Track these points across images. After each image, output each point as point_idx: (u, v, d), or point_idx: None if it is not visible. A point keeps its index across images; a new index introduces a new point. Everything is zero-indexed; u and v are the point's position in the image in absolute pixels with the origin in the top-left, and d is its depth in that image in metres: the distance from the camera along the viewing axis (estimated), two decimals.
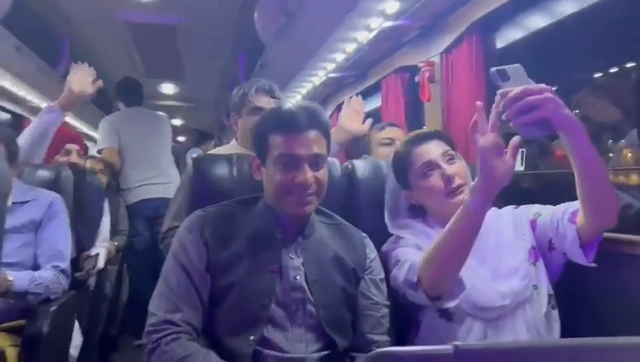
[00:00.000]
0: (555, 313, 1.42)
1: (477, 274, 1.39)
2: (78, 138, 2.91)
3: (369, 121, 2.22)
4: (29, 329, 1.82)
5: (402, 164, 1.54)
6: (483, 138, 1.17)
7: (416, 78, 2.58)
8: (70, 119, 5.68)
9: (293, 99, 4.34)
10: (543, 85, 1.12)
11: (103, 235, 2.68)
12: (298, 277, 1.33)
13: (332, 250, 1.40)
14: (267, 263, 1.32)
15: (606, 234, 1.39)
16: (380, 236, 1.58)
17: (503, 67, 1.17)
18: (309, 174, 1.29)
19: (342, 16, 2.36)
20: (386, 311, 1.41)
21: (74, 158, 2.84)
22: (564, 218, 1.36)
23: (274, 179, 1.32)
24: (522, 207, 1.54)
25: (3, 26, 3.08)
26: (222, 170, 1.68)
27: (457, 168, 1.46)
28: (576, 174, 1.23)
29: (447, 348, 0.53)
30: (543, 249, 1.44)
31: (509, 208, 1.55)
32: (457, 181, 1.43)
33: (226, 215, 1.40)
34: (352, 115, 2.19)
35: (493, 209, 1.55)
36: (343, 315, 1.36)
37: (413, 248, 1.46)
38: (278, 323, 1.30)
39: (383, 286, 1.44)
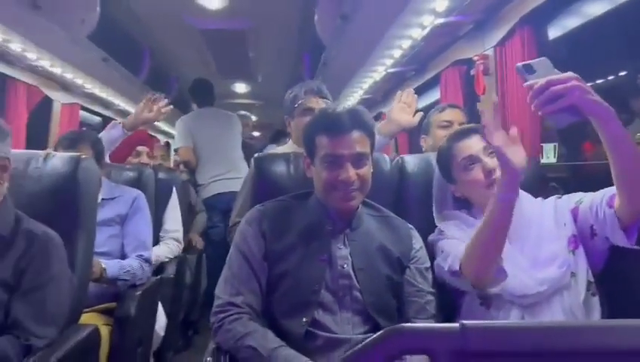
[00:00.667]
0: (595, 300, 1.44)
1: (516, 263, 1.44)
2: (148, 140, 3.07)
3: (419, 114, 2.26)
4: (119, 311, 2.03)
5: (446, 159, 1.60)
6: (494, 138, 1.24)
7: (472, 71, 2.60)
8: None
9: (356, 94, 4.44)
10: (568, 73, 1.16)
11: (169, 229, 2.85)
12: (345, 266, 1.43)
13: (378, 241, 1.49)
14: (318, 253, 1.43)
15: None
16: (428, 227, 1.64)
17: (529, 62, 1.22)
18: (351, 172, 1.40)
19: (394, 16, 2.42)
20: (430, 298, 1.47)
21: (144, 159, 2.99)
22: (603, 203, 1.38)
23: (321, 177, 1.43)
24: (565, 196, 1.56)
25: (91, 41, 3.36)
26: (280, 168, 1.80)
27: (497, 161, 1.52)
28: (609, 157, 1.25)
29: (454, 325, 0.55)
30: (585, 236, 1.46)
31: (553, 198, 1.57)
32: (497, 173, 1.46)
33: (282, 209, 1.52)
34: (402, 108, 2.22)
35: (538, 199, 1.58)
36: (387, 301, 1.44)
37: (456, 239, 1.52)
38: (327, 307, 1.40)
39: (428, 275, 1.51)
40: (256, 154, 1.89)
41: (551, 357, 0.55)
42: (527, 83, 1.18)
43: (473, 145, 1.54)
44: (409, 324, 0.65)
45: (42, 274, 1.43)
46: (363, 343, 0.59)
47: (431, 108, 3.42)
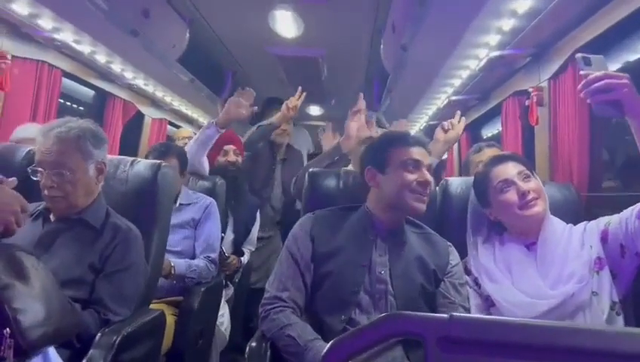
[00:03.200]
0: (620, 319, 1.46)
1: (533, 284, 1.51)
2: (235, 139, 3.04)
3: (463, 119, 2.46)
4: (184, 304, 2.24)
5: (482, 183, 1.69)
6: None
7: (527, 102, 2.65)
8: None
9: (422, 120, 4.54)
10: (622, 73, 1.25)
11: (251, 240, 3.00)
12: (383, 272, 1.56)
13: (416, 252, 1.61)
14: (360, 259, 1.57)
15: None
16: (466, 247, 1.72)
17: (587, 55, 1.32)
18: (428, 175, 1.58)
19: (450, 48, 2.55)
20: (461, 310, 1.55)
21: (231, 157, 2.97)
22: (632, 216, 1.43)
23: (399, 180, 1.58)
24: (595, 220, 1.60)
25: (180, 63, 3.70)
26: (331, 183, 1.96)
27: (532, 185, 1.59)
28: None
29: (444, 316, 0.65)
30: (614, 258, 1.49)
31: (583, 223, 1.62)
32: (531, 195, 1.57)
33: (331, 217, 1.69)
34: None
35: (569, 225, 1.63)
36: (419, 307, 1.54)
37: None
38: (364, 308, 1.53)
39: (463, 290, 1.60)
40: (310, 169, 2.05)
41: (526, 351, 0.62)
42: (583, 72, 1.28)
43: (509, 169, 1.63)
44: (406, 312, 0.71)
45: (123, 260, 1.65)
46: (363, 325, 0.71)
47: (497, 137, 3.47)
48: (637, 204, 1.44)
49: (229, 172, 2.93)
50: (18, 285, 1.10)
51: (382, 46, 3.21)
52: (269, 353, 1.52)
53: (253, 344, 1.55)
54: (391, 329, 0.71)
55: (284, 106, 3.12)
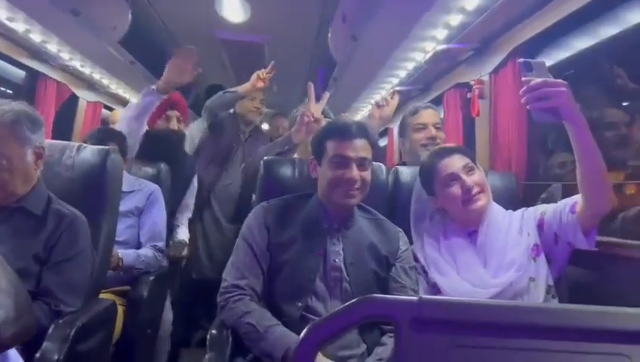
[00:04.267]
0: (555, 301, 1.57)
1: (476, 273, 1.60)
2: (180, 103, 2.81)
3: (396, 95, 2.53)
4: (133, 293, 2.20)
5: (428, 174, 1.76)
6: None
7: (468, 95, 2.76)
8: None
9: (365, 109, 4.62)
10: (560, 80, 1.31)
11: (186, 206, 2.86)
12: (337, 260, 1.60)
13: (369, 239, 1.66)
14: (315, 247, 1.61)
15: (603, 238, 1.56)
16: None
17: (529, 60, 1.36)
18: (355, 172, 1.60)
19: (399, 40, 2.63)
20: (412, 293, 1.62)
21: (174, 124, 2.77)
22: (566, 209, 1.54)
23: (327, 175, 1.62)
24: (532, 208, 1.70)
25: (121, 45, 3.55)
26: (286, 171, 1.97)
27: (476, 178, 1.67)
28: (577, 161, 1.40)
29: (413, 298, 0.69)
30: (549, 244, 1.60)
31: (521, 210, 1.72)
32: (475, 189, 1.65)
33: (285, 206, 1.71)
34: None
35: (508, 211, 1.72)
36: (373, 292, 1.54)
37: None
38: (319, 295, 1.57)
39: (412, 274, 1.67)
40: (265, 158, 2.05)
41: (492, 328, 0.67)
42: (525, 78, 1.33)
43: (454, 163, 1.69)
44: (378, 295, 0.74)
45: (70, 248, 1.59)
46: (338, 308, 0.73)
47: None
48: (571, 198, 1.55)
49: (168, 140, 2.72)
50: None
51: (330, 35, 3.23)
52: (230, 340, 1.53)
53: (214, 331, 1.55)
54: (364, 313, 0.73)
55: (254, 76, 2.85)
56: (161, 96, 2.54)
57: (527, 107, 1.34)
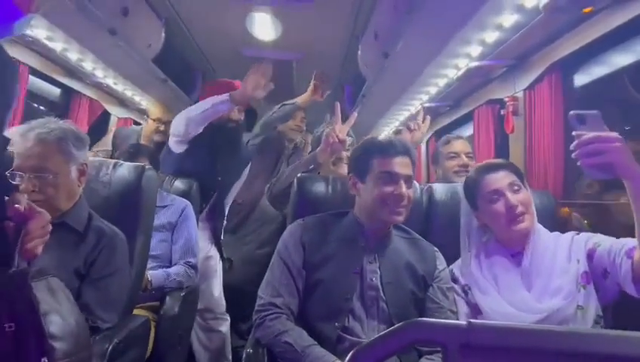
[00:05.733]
0: None
1: (518, 295, 1.53)
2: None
3: (428, 118, 2.50)
4: (165, 310, 2.19)
5: (472, 188, 1.71)
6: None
7: (502, 111, 2.73)
8: None
9: (392, 125, 4.61)
10: (614, 134, 1.22)
11: (232, 198, 2.89)
12: (374, 279, 1.59)
13: (405, 259, 1.64)
14: (351, 266, 1.59)
15: None
16: (452, 251, 1.76)
17: (583, 112, 1.26)
18: (404, 189, 1.59)
19: (432, 57, 2.61)
20: (450, 314, 1.59)
21: (234, 115, 2.71)
22: (622, 251, 1.44)
23: (374, 191, 1.60)
24: (583, 234, 1.62)
25: (154, 63, 3.61)
26: (319, 188, 1.97)
27: (522, 198, 1.60)
28: (634, 212, 1.30)
29: (462, 323, 0.67)
30: (597, 276, 1.52)
31: (571, 234, 1.64)
32: (519, 209, 1.58)
33: (321, 224, 1.70)
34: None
35: (555, 234, 1.66)
36: (410, 313, 1.57)
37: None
38: (356, 315, 1.55)
39: (450, 295, 1.64)
40: (298, 175, 2.05)
41: (544, 356, 0.65)
42: (576, 132, 1.24)
43: (500, 179, 1.64)
44: (425, 319, 0.74)
45: (108, 265, 1.61)
46: (385, 331, 0.72)
47: None
48: (627, 240, 1.45)
49: (228, 129, 2.68)
50: (55, 311, 1.07)
51: (360, 52, 3.23)
52: (266, 359, 1.52)
53: (250, 350, 1.55)
54: (411, 337, 0.72)
55: (311, 86, 2.84)
56: (232, 107, 2.53)
57: (578, 163, 1.25)
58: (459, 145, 2.52)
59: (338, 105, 2.27)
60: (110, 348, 1.48)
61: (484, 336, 0.66)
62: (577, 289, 1.51)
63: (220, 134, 2.66)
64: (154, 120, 3.52)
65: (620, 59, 2.24)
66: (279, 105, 2.96)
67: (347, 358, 0.70)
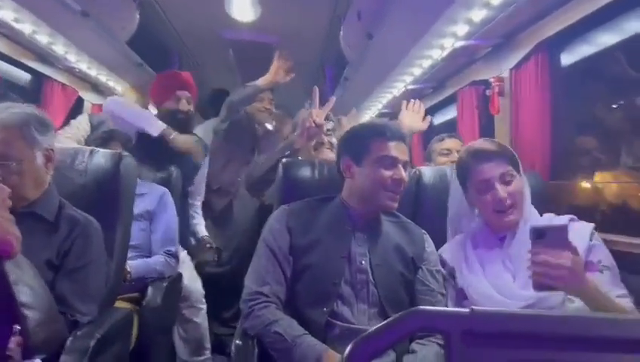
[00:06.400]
0: None
1: (503, 281, 1.50)
2: (190, 84, 2.77)
3: (428, 118, 2.49)
4: (148, 301, 2.14)
5: (463, 172, 1.65)
6: None
7: (488, 92, 2.70)
8: None
9: (374, 108, 4.56)
10: (564, 262, 1.20)
11: (199, 193, 2.91)
12: (363, 262, 1.56)
13: (394, 241, 1.62)
14: (339, 250, 1.57)
15: None
16: (441, 234, 1.76)
17: (543, 226, 1.26)
18: (404, 173, 1.56)
19: (417, 37, 2.56)
20: (440, 297, 1.58)
21: (183, 105, 2.72)
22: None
23: (372, 175, 1.56)
24: (586, 225, 1.53)
25: (128, 46, 3.51)
26: (305, 173, 1.94)
27: (512, 189, 1.53)
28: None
29: (465, 310, 0.66)
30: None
31: (566, 218, 1.57)
32: (508, 202, 1.52)
33: (307, 209, 1.66)
34: (412, 115, 2.48)
35: (549, 215, 1.61)
36: (400, 295, 1.56)
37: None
38: (345, 299, 1.52)
39: (439, 277, 1.62)
40: (283, 160, 2.01)
41: (549, 341, 0.65)
42: (532, 249, 1.23)
43: (492, 169, 1.55)
44: (425, 307, 0.72)
45: (84, 255, 1.54)
46: (385, 321, 0.70)
47: (447, 124, 3.54)
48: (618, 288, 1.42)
49: (177, 120, 2.69)
50: (23, 282, 1.04)
51: (342, 33, 3.17)
52: (256, 351, 1.48)
53: (239, 342, 1.52)
54: (413, 326, 0.71)
55: (272, 67, 2.88)
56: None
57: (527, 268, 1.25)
58: (452, 143, 2.60)
59: (316, 89, 2.25)
60: (93, 343, 1.43)
61: (487, 323, 0.66)
62: None
63: (171, 125, 2.67)
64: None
65: (607, 37, 2.23)
66: (242, 87, 2.95)
67: (347, 351, 0.68)
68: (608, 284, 1.41)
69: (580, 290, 1.27)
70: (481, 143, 1.64)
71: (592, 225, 1.54)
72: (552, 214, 1.64)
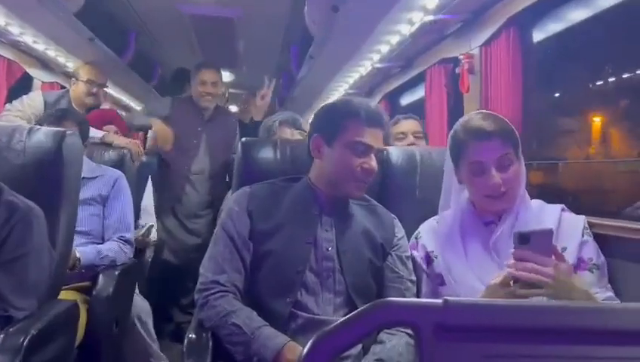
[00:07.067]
0: None
1: (486, 269, 1.39)
2: (116, 119, 2.95)
3: None
4: (98, 291, 2.02)
5: (456, 149, 1.48)
6: None
7: (457, 70, 2.64)
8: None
9: (341, 89, 4.46)
10: (551, 262, 1.16)
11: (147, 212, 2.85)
12: (330, 248, 1.46)
13: (362, 226, 1.52)
14: (304, 235, 1.46)
15: None
16: (410, 218, 1.66)
17: (528, 231, 1.18)
18: (375, 163, 1.44)
19: (385, 10, 2.46)
20: (409, 285, 1.50)
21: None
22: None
23: (342, 161, 1.44)
24: (577, 217, 1.45)
25: (78, 19, 3.28)
26: (267, 154, 1.82)
27: (509, 176, 1.39)
28: None
29: (437, 301, 0.59)
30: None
31: (557, 209, 1.46)
32: (502, 189, 1.38)
33: (270, 191, 1.55)
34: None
35: (539, 202, 1.48)
36: (368, 284, 1.47)
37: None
38: (310, 288, 1.43)
39: (409, 263, 1.54)
40: (243, 139, 1.91)
41: (528, 334, 0.57)
42: (515, 253, 1.18)
43: (489, 150, 1.39)
44: (394, 298, 0.64)
45: (22, 245, 1.41)
46: (349, 315, 0.61)
47: (416, 105, 3.48)
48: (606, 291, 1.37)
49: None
50: None
51: (306, 7, 3.03)
52: (211, 344, 1.38)
53: (192, 336, 1.42)
54: (380, 320, 0.64)
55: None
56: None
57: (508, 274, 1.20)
58: (406, 125, 2.50)
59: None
60: (27, 340, 1.30)
61: (462, 315, 0.59)
62: None
63: None
64: (85, 82, 3.21)
65: (577, 13, 2.18)
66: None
67: (306, 347, 0.59)
68: (596, 286, 1.35)
69: (568, 297, 1.18)
70: (480, 120, 1.44)
71: (583, 217, 1.45)
72: (541, 201, 1.52)
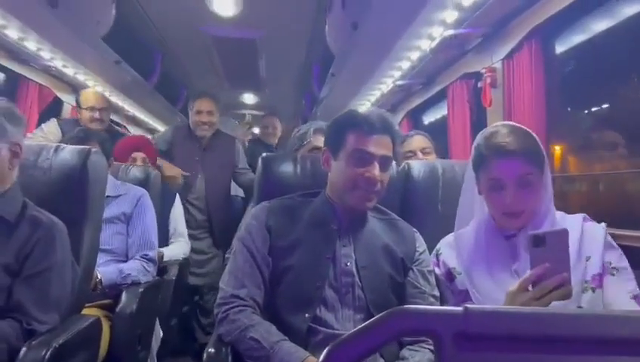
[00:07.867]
0: None
1: (510, 283, 1.28)
2: (145, 145, 2.93)
3: None
4: (121, 308, 2.01)
5: (477, 160, 1.42)
6: None
7: (479, 84, 2.61)
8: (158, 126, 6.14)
9: (364, 107, 4.46)
10: (562, 276, 1.13)
11: (179, 229, 2.86)
12: (349, 264, 1.44)
13: (382, 240, 1.49)
14: (323, 250, 1.44)
15: None
16: (432, 232, 1.61)
17: (542, 232, 1.16)
18: (377, 172, 1.40)
19: (404, 26, 2.46)
20: (432, 300, 1.45)
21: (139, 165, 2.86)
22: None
23: (345, 172, 1.43)
24: (595, 228, 1.38)
25: (105, 42, 3.38)
26: (286, 168, 1.81)
27: (529, 193, 1.34)
28: None
29: (458, 308, 0.57)
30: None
31: (579, 219, 1.40)
32: (517, 208, 1.34)
33: (289, 206, 1.54)
34: None
35: (560, 214, 1.42)
36: (389, 299, 1.43)
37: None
38: (329, 304, 1.40)
39: (431, 278, 1.50)
40: (263, 154, 1.89)
41: (549, 342, 0.56)
42: (531, 255, 1.15)
43: (510, 169, 1.33)
44: (412, 306, 0.62)
45: (46, 259, 1.43)
46: (365, 323, 0.60)
47: (438, 123, 3.44)
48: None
49: None
50: None
51: (327, 25, 3.06)
52: (230, 358, 1.36)
53: (211, 350, 1.39)
54: (398, 328, 0.61)
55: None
56: None
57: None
58: (414, 143, 2.44)
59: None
60: (48, 354, 1.31)
61: (483, 323, 0.57)
62: (582, 290, 1.30)
63: None
64: (86, 109, 3.22)
65: (599, 24, 2.14)
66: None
67: (322, 356, 0.58)
68: (616, 286, 1.30)
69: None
70: (504, 136, 1.36)
71: (604, 224, 1.39)
72: (562, 213, 1.46)
